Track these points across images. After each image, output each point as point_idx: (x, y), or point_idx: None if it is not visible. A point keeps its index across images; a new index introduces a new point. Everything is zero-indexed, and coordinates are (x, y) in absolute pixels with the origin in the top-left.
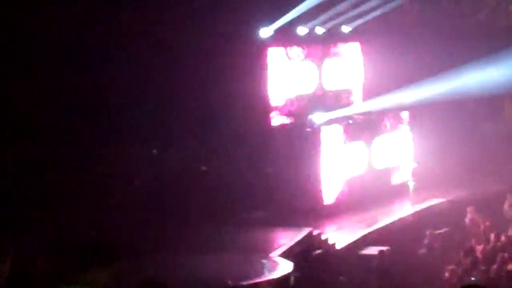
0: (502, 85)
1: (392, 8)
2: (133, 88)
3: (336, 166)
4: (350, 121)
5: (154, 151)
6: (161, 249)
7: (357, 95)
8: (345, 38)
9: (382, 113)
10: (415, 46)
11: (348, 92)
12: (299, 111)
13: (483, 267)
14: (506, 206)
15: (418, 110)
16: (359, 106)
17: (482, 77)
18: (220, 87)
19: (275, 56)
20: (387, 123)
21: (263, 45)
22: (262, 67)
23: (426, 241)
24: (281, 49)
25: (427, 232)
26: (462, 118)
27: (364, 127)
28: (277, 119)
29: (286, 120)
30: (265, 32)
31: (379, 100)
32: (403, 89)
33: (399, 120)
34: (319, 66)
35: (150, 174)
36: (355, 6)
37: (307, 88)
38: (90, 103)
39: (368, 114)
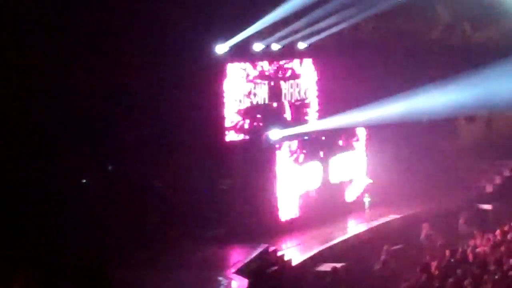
0: (457, 103)
1: (347, 26)
2: (88, 103)
3: (292, 182)
4: (306, 137)
5: (109, 167)
6: (115, 267)
7: (312, 112)
8: (300, 55)
9: (337, 131)
10: (370, 64)
11: (304, 109)
12: (255, 127)
13: (438, 284)
14: (461, 221)
15: (373, 128)
16: (314, 124)
17: (436, 97)
18: (175, 102)
19: (231, 72)
20: (342, 140)
21: (220, 61)
22: (218, 83)
23: (382, 257)
24: (237, 65)
25: (383, 248)
26: (418, 135)
27: (319, 144)
28: (232, 135)
29: (242, 136)
30: (222, 48)
31: (334, 118)
32: (358, 107)
33: (353, 137)
34: (275, 82)
35: (105, 190)
36: (310, 24)
37: (263, 104)
38: (47, 117)
39: (323, 131)
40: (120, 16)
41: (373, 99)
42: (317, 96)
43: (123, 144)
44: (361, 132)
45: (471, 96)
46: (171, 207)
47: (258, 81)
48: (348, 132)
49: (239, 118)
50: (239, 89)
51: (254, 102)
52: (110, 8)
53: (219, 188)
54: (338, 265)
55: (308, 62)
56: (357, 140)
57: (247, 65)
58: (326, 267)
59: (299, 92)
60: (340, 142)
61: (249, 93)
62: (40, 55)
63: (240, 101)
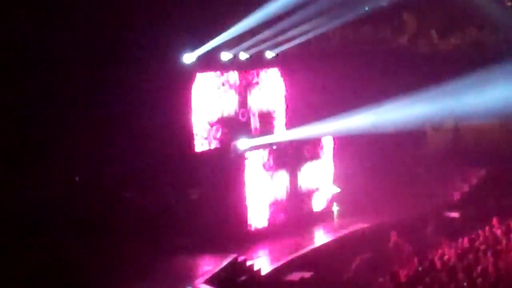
0: (425, 113)
1: (314, 35)
2: (56, 114)
3: (261, 191)
4: (274, 147)
5: (76, 178)
6: (84, 277)
7: (279, 122)
8: (267, 64)
9: (304, 141)
10: (337, 73)
11: (271, 119)
12: (224, 137)
13: None
14: (429, 229)
15: (341, 137)
16: (282, 134)
17: (404, 107)
18: (143, 113)
19: (199, 82)
20: (309, 150)
21: (188, 71)
22: (186, 93)
23: (350, 265)
24: (205, 75)
25: (352, 257)
26: (386, 144)
27: (287, 153)
28: (201, 145)
29: (210, 146)
30: (189, 58)
31: (302, 128)
32: (325, 117)
33: (320, 147)
34: (243, 91)
35: (73, 201)
36: (278, 33)
37: (231, 113)
38: (15, 128)
39: (291, 141)
40: (88, 28)
41: (340, 109)
42: (285, 106)
43: (90, 155)
44: (328, 142)
45: (438, 106)
46: (140, 217)
47: (226, 90)
48: (315, 142)
49: (208, 127)
50: (207, 99)
51: (222, 112)
52: (78, 21)
53: (188, 198)
54: (307, 274)
55: (275, 71)
56: (324, 149)
57: (215, 75)
58: (295, 276)
59: (266, 102)
60: (307, 152)
61: (217, 102)
62: (7, 65)
63: (208, 111)
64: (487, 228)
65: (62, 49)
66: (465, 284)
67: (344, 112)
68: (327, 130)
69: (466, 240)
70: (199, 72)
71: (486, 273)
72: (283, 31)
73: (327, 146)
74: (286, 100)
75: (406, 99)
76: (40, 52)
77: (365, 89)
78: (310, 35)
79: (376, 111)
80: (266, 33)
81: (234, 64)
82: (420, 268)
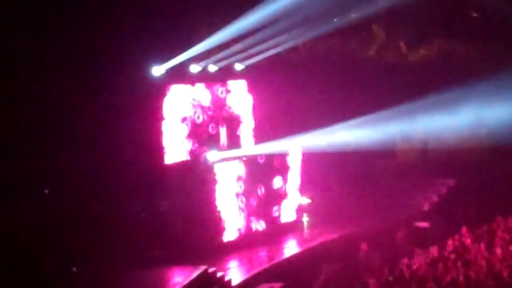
0: (395, 126)
1: (284, 48)
2: (24, 126)
3: (231, 203)
4: (244, 158)
5: (46, 191)
6: None
7: (248, 134)
8: (236, 76)
9: (273, 154)
10: (307, 85)
11: (240, 131)
12: (193, 149)
13: None
14: (398, 240)
15: (310, 149)
16: (250, 147)
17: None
18: (112, 125)
19: (168, 94)
20: (278, 161)
21: (157, 83)
22: (155, 105)
23: (321, 276)
24: (174, 87)
25: (322, 268)
26: (356, 155)
27: (257, 165)
28: (170, 158)
29: (180, 158)
30: (158, 70)
31: (270, 142)
32: (294, 130)
33: (290, 159)
34: (212, 104)
35: (42, 214)
36: (247, 46)
37: (201, 126)
38: None
39: (259, 155)
40: (57, 40)
41: (310, 121)
42: (253, 118)
43: (60, 167)
44: (297, 153)
45: (408, 119)
46: (111, 231)
47: (196, 103)
48: (284, 153)
49: (177, 140)
50: (176, 111)
51: (191, 124)
52: (49, 32)
53: (157, 210)
54: (276, 285)
55: (243, 83)
56: (293, 160)
57: (185, 87)
58: (265, 287)
59: (235, 114)
60: (277, 163)
61: (187, 115)
62: None
63: (178, 123)
64: (456, 237)
65: (28, 63)
66: None
67: (313, 125)
68: (295, 144)
69: (435, 249)
70: (168, 85)
71: (456, 282)
72: (253, 44)
73: (296, 158)
74: (253, 112)
75: (375, 112)
76: (6, 65)
77: (334, 101)
78: (279, 48)
79: (345, 124)
80: (236, 46)
81: (203, 76)
82: (390, 278)
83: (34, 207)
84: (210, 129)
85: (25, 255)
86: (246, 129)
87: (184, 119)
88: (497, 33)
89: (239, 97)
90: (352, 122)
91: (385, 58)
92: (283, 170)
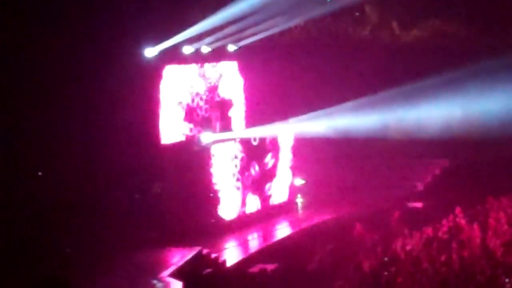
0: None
1: (278, 29)
2: (19, 107)
3: (226, 184)
4: (238, 139)
5: (39, 172)
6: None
7: (240, 116)
8: (229, 57)
9: (265, 137)
10: (301, 66)
11: (233, 113)
12: (188, 131)
13: (371, 282)
14: (393, 220)
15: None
16: (242, 130)
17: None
18: (106, 107)
19: (164, 75)
20: (271, 142)
21: (150, 64)
22: (149, 86)
23: (315, 257)
24: (170, 68)
25: (317, 249)
26: (350, 136)
27: (251, 146)
28: (166, 138)
29: (175, 139)
30: (152, 51)
31: (263, 125)
32: (288, 111)
33: (282, 140)
34: (205, 85)
35: (36, 194)
36: (240, 27)
37: (195, 107)
38: None
39: (252, 138)
40: (51, 22)
41: (302, 103)
42: (245, 100)
43: (54, 148)
44: (289, 134)
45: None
46: (106, 212)
47: (190, 85)
48: (276, 134)
49: (171, 121)
50: (170, 93)
51: (186, 106)
52: (42, 14)
53: (152, 192)
54: (271, 266)
55: (235, 65)
56: (286, 142)
57: (178, 68)
58: (259, 268)
59: (228, 97)
60: (270, 144)
61: (180, 97)
62: None
63: (171, 105)
64: (450, 217)
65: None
66: (429, 273)
67: (306, 106)
68: (287, 125)
69: (430, 229)
70: (161, 66)
71: (450, 262)
72: (245, 26)
73: (288, 138)
74: (245, 94)
75: (368, 94)
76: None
77: (327, 83)
78: (272, 30)
79: (339, 107)
80: (229, 28)
81: (196, 58)
82: (384, 259)
83: (28, 189)
84: (203, 112)
85: (17, 236)
86: (238, 112)
87: (177, 101)
88: (491, 13)
89: (231, 80)
90: (346, 104)
91: (378, 39)
92: (275, 150)
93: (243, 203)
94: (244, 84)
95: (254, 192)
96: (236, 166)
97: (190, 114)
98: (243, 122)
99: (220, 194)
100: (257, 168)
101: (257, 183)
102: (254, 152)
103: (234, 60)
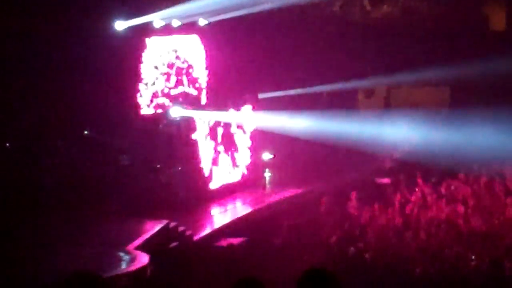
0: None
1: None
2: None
3: (196, 157)
4: (205, 114)
5: (7, 144)
6: (16, 244)
7: (206, 93)
8: (197, 32)
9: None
10: (270, 43)
11: (200, 91)
12: (157, 104)
13: (338, 257)
14: (360, 196)
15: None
16: (209, 107)
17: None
18: (78, 78)
19: (136, 48)
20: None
21: (123, 37)
22: (121, 59)
23: (282, 231)
24: (141, 41)
25: (283, 223)
26: (318, 109)
27: (216, 123)
28: (136, 113)
29: (145, 112)
30: (121, 25)
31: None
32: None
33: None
34: (175, 59)
35: (6, 165)
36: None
37: (164, 82)
38: None
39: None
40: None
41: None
42: (208, 76)
43: (23, 120)
44: (250, 111)
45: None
46: (72, 183)
47: (161, 58)
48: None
49: (142, 94)
50: (141, 65)
51: (155, 78)
52: None
53: (120, 164)
54: (236, 240)
55: (198, 39)
56: (252, 116)
57: (150, 41)
58: (226, 242)
59: (195, 73)
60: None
61: (151, 70)
62: None
63: (143, 77)
64: (416, 189)
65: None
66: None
67: (274, 85)
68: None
69: (396, 205)
70: (134, 39)
71: (418, 236)
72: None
73: (250, 116)
74: (210, 71)
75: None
76: None
77: (294, 59)
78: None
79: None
80: (199, 2)
81: (166, 31)
82: (351, 234)
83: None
84: (173, 86)
85: None
86: (207, 86)
87: (147, 75)
88: None
89: (201, 54)
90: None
91: (349, 15)
92: (239, 127)
93: (210, 178)
94: (210, 58)
95: (221, 167)
96: (203, 140)
97: (160, 88)
98: (208, 99)
99: (188, 168)
100: (223, 143)
101: (224, 158)
102: (220, 127)
103: (202, 34)
